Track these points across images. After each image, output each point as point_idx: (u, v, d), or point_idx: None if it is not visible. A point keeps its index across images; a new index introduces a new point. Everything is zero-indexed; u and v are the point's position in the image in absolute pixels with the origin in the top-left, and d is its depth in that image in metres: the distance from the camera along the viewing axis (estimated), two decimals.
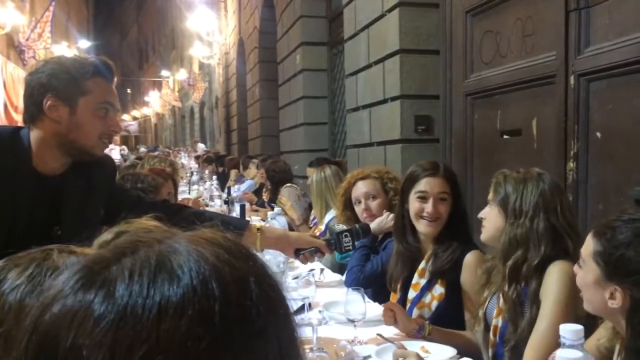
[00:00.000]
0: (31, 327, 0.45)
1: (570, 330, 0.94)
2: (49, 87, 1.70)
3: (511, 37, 3.43)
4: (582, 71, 2.85)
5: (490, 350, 1.93)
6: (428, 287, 2.31)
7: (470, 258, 2.25)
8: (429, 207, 2.29)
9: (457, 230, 2.33)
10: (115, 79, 1.84)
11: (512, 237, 1.85)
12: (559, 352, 0.92)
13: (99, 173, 1.91)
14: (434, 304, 2.27)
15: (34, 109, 1.72)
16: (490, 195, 1.97)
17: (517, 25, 3.37)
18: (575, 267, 1.53)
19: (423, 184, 2.32)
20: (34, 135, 1.74)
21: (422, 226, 2.32)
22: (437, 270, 2.28)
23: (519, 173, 1.93)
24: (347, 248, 2.18)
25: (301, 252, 2.12)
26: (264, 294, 0.46)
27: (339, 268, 3.36)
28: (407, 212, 2.37)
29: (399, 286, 2.43)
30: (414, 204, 2.33)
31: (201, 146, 18.64)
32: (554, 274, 1.76)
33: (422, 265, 2.34)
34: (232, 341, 0.42)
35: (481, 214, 2.02)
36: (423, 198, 2.31)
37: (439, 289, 2.29)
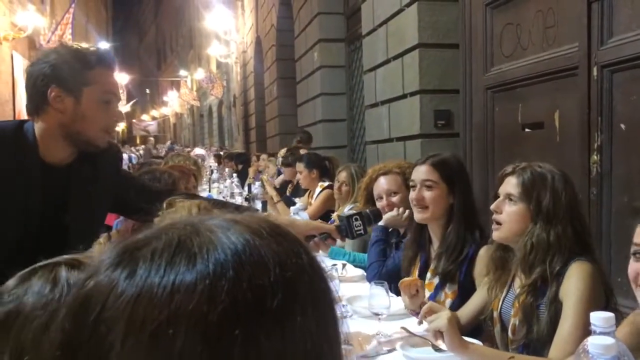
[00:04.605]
0: (70, 301, 0.50)
1: (601, 318, 0.94)
2: (52, 77, 1.70)
3: (532, 29, 3.40)
4: (605, 62, 2.82)
5: (509, 349, 1.91)
6: (441, 287, 2.33)
7: (483, 252, 2.25)
8: (414, 193, 2.37)
9: (461, 225, 2.31)
10: (117, 69, 1.86)
11: (541, 240, 1.77)
12: (591, 339, 0.92)
13: (104, 161, 1.93)
14: (448, 301, 2.29)
15: (38, 100, 1.73)
16: (513, 191, 1.86)
17: (538, 17, 3.34)
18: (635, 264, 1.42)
19: (413, 173, 2.43)
20: (39, 126, 1.76)
21: (415, 214, 2.40)
22: (443, 272, 2.30)
23: (541, 168, 1.86)
24: (358, 232, 2.08)
25: (311, 240, 1.98)
26: (284, 276, 0.48)
27: (363, 248, 3.33)
28: None
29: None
30: (410, 194, 2.43)
31: (197, 151, 18.59)
32: (575, 274, 1.73)
33: (433, 264, 2.37)
34: (237, 317, 0.45)
35: (495, 208, 1.91)
36: (413, 186, 2.40)
37: (452, 287, 2.31)
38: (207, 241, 0.49)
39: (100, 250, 1.40)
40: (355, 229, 2.07)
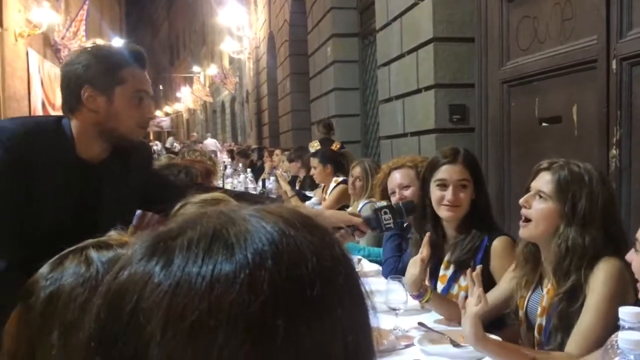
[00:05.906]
0: (103, 291, 0.49)
1: (630, 313, 0.92)
2: (85, 78, 1.74)
3: (549, 21, 3.36)
4: (625, 55, 2.77)
5: (536, 349, 1.88)
6: (454, 279, 2.29)
7: (498, 244, 2.21)
8: (448, 194, 2.26)
9: (480, 218, 2.29)
10: (147, 66, 1.89)
11: (577, 245, 1.71)
12: (620, 334, 0.90)
13: (135, 158, 1.97)
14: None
15: (72, 100, 1.78)
16: (545, 188, 1.79)
17: (555, 10, 3.30)
18: (631, 254, 1.43)
19: (442, 172, 2.30)
20: (75, 124, 1.80)
21: (443, 211, 2.29)
22: (457, 260, 2.26)
23: (579, 168, 1.78)
24: (387, 226, 2.03)
25: (337, 232, 1.93)
26: (322, 266, 0.48)
27: (378, 242, 3.31)
28: (429, 202, 2.34)
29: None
30: (434, 192, 2.30)
31: (211, 141, 18.64)
32: (603, 271, 1.68)
33: (447, 257, 2.33)
34: (279, 307, 0.45)
35: (524, 202, 1.84)
36: (443, 185, 2.28)
37: (465, 280, 2.26)
38: (244, 230, 0.48)
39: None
40: (385, 222, 2.02)
